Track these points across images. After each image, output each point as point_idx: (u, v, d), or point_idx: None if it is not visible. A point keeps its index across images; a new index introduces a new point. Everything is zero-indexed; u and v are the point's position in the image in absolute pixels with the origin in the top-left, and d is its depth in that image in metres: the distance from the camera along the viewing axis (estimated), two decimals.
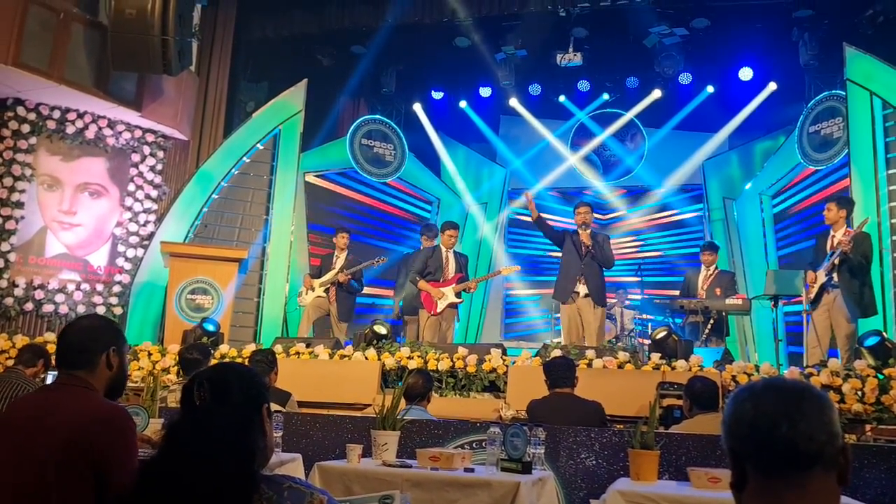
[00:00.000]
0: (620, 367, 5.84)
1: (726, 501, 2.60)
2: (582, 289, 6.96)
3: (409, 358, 6.26)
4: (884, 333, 6.03)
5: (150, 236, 8.76)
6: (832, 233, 6.74)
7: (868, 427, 5.09)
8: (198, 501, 1.56)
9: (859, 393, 5.25)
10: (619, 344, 8.12)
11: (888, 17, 8.43)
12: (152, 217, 8.95)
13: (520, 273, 10.22)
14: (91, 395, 2.20)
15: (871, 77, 7.74)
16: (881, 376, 5.31)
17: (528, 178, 11.88)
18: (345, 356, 6.46)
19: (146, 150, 8.98)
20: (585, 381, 4.63)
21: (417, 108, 11.56)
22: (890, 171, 7.52)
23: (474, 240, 11.62)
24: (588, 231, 7.08)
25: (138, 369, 6.58)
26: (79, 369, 2.23)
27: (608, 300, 8.05)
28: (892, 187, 7.48)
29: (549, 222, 7.51)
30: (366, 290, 8.85)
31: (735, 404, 1.32)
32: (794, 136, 9.19)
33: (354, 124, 10.75)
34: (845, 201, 6.90)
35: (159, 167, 9.08)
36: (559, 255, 7.34)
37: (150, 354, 6.76)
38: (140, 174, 8.95)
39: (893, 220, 7.33)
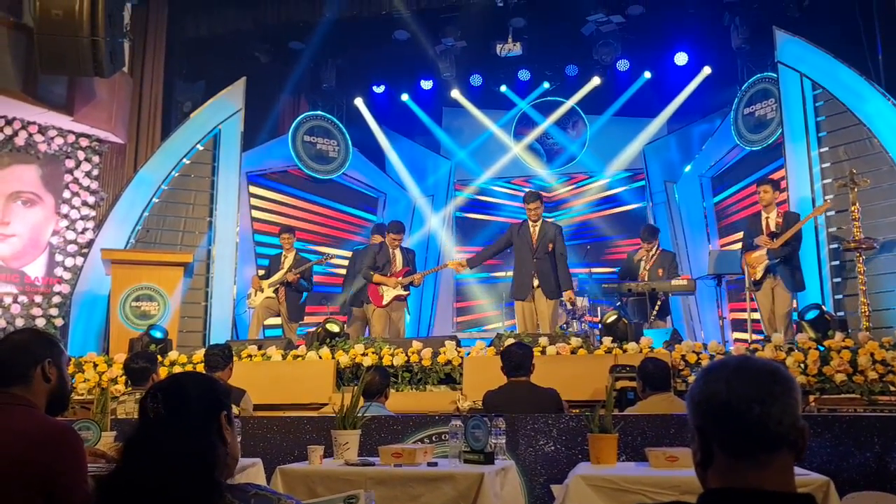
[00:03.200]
0: (573, 352, 5.92)
1: (686, 479, 2.68)
2: (537, 284, 7.03)
3: (364, 355, 6.24)
4: (822, 307, 6.27)
5: (90, 244, 8.50)
6: (765, 214, 7.02)
7: (812, 398, 5.28)
8: None
9: (802, 365, 5.44)
10: (570, 329, 8.24)
11: (814, 1, 8.70)
12: (90, 224, 8.68)
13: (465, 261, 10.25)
14: (31, 413, 2.10)
15: (801, 59, 7.99)
16: (822, 348, 5.51)
17: (473, 169, 11.93)
18: (298, 356, 6.39)
19: (80, 155, 8.70)
20: (540, 367, 4.68)
21: (359, 102, 11.47)
22: (822, 150, 7.78)
23: (422, 233, 11.61)
24: (538, 224, 7.16)
25: (84, 381, 6.40)
26: (13, 385, 2.13)
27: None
28: (824, 165, 7.74)
29: (484, 249, 7.79)
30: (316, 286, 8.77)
31: (706, 383, 1.33)
32: (730, 119, 9.43)
33: (296, 121, 10.61)
34: (776, 183, 7.23)
35: (95, 172, 8.82)
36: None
37: (95, 366, 6.57)
38: (75, 180, 8.67)
39: (827, 197, 7.58)
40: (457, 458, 3.16)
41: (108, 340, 7.68)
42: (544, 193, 8.79)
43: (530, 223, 7.20)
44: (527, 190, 8.77)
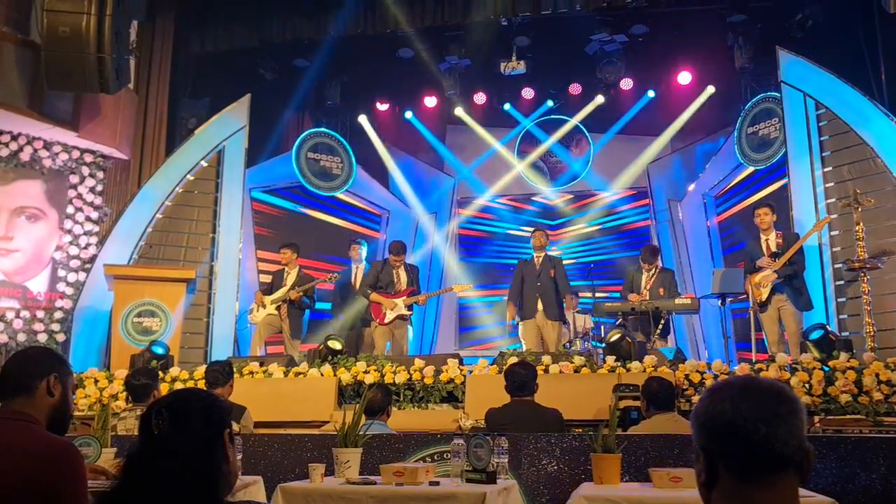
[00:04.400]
0: (577, 371, 5.89)
1: (690, 500, 2.65)
2: (540, 306, 7.59)
3: (366, 372, 6.21)
4: (827, 327, 6.25)
5: (93, 259, 8.50)
6: (764, 236, 7.08)
7: (816, 419, 5.24)
8: None
9: (806, 386, 5.40)
10: (574, 348, 8.22)
11: (816, 21, 8.73)
12: (94, 239, 8.69)
13: (471, 280, 10.26)
14: (31, 429, 2.08)
15: (804, 78, 8.01)
16: (826, 368, 5.47)
17: (477, 187, 11.94)
18: (300, 373, 6.37)
19: (85, 170, 8.73)
20: (543, 386, 4.66)
21: (363, 119, 11.51)
22: (825, 169, 7.78)
23: (425, 250, 11.61)
24: (542, 254, 7.84)
25: (85, 397, 6.37)
26: (17, 397, 2.12)
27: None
28: (828, 185, 7.74)
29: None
30: (320, 305, 8.77)
31: (711, 404, 1.32)
32: (734, 138, 9.44)
33: (300, 138, 10.64)
34: (774, 207, 7.29)
35: (99, 188, 8.84)
36: (509, 260, 7.78)
37: (96, 381, 6.55)
38: (79, 196, 8.69)
39: (831, 217, 7.57)
40: (459, 478, 3.13)
41: (110, 356, 7.66)
42: (547, 212, 8.95)
43: (535, 253, 7.90)
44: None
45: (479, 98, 11.32)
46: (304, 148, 10.60)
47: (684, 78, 10.48)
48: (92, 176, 8.77)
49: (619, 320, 7.44)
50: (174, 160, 8.93)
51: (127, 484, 1.60)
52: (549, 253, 8.11)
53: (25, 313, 8.20)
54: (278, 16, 9.46)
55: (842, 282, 7.44)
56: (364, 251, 8.79)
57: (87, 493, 2.01)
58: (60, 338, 8.24)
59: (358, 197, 11.27)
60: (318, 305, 8.67)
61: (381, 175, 11.78)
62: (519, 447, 3.77)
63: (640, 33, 9.84)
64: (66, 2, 6.84)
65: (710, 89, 10.42)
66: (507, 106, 11.52)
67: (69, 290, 8.44)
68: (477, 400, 5.62)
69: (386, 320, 7.73)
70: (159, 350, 6.81)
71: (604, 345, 6.76)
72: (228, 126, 9.12)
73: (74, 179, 8.68)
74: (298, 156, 10.51)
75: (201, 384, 5.66)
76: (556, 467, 3.75)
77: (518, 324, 7.87)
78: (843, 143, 7.67)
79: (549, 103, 11.45)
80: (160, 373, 5.85)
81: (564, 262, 8.50)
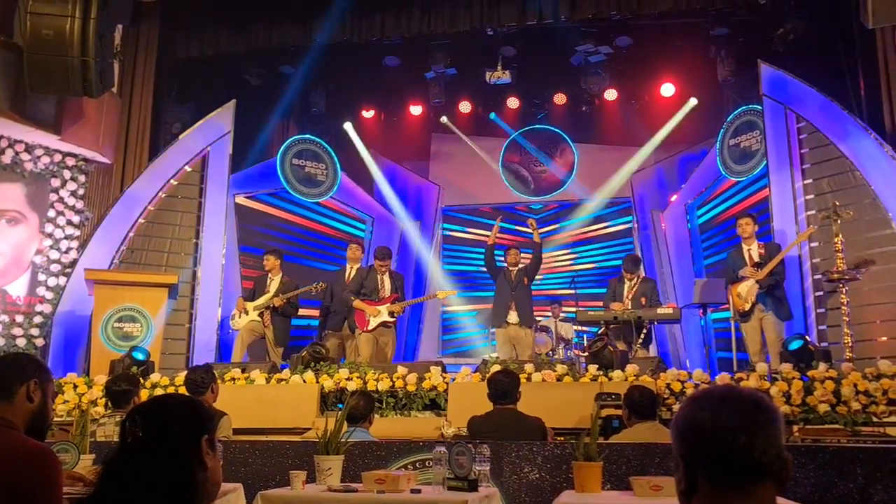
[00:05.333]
0: (559, 379, 5.91)
1: None
2: (513, 316, 7.74)
3: (349, 379, 6.20)
4: (806, 337, 6.31)
5: (73, 264, 8.42)
6: (745, 246, 7.18)
7: (795, 428, 5.29)
8: None
9: (786, 395, 5.45)
10: (556, 356, 8.27)
11: (798, 36, 8.85)
12: (75, 244, 8.61)
13: (455, 288, 10.27)
14: (12, 435, 2.07)
15: (785, 92, 8.12)
16: (805, 378, 5.53)
17: (461, 195, 11.97)
18: (282, 380, 6.34)
19: (67, 174, 8.66)
20: (525, 394, 4.66)
21: (348, 127, 11.51)
22: (805, 182, 7.88)
23: (409, 258, 11.60)
24: (517, 269, 8.02)
25: (63, 402, 6.31)
26: None
27: (545, 312, 8.69)
28: (808, 197, 7.84)
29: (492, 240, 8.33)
30: (301, 311, 8.72)
31: (692, 412, 1.33)
32: (716, 149, 9.54)
33: (284, 144, 10.61)
34: (755, 216, 7.38)
35: (81, 192, 8.77)
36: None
37: (75, 387, 6.49)
38: (61, 199, 8.62)
39: (815, 228, 7.66)
40: (440, 485, 3.13)
41: (89, 361, 7.59)
42: (532, 216, 9.07)
43: (509, 266, 8.07)
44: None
45: (465, 107, 11.36)
46: (289, 154, 10.58)
47: (668, 90, 10.58)
48: (74, 180, 8.70)
49: (602, 329, 7.48)
50: (157, 165, 8.87)
51: (103, 491, 1.59)
52: (521, 269, 8.19)
53: (4, 317, 8.10)
54: (264, 22, 9.45)
55: (821, 293, 7.53)
56: (360, 252, 8.70)
57: (63, 498, 1.99)
58: (39, 343, 8.15)
59: (342, 204, 11.25)
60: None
61: (366, 182, 11.78)
62: (501, 455, 3.78)
63: (624, 45, 9.93)
64: (50, 5, 6.79)
65: (693, 101, 10.52)
66: (491, 115, 11.57)
67: (49, 295, 8.36)
68: (459, 407, 5.62)
69: (369, 327, 7.73)
70: (140, 356, 6.75)
71: (586, 353, 6.79)
72: (213, 131, 9.08)
73: (56, 183, 8.60)
74: (283, 162, 10.48)
75: (183, 390, 5.61)
76: (537, 475, 3.75)
77: (492, 331, 8.07)
78: (823, 155, 7.78)
79: (534, 113, 11.51)
80: (140, 379, 5.80)
81: (546, 269, 8.58)
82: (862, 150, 7.46)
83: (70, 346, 8.14)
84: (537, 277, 8.48)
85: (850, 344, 6.38)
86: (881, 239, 7.21)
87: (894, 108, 7.61)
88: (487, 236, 8.50)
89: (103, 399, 6.14)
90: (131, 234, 8.60)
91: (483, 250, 8.74)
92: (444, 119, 11.41)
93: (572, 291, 9.50)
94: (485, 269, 8.57)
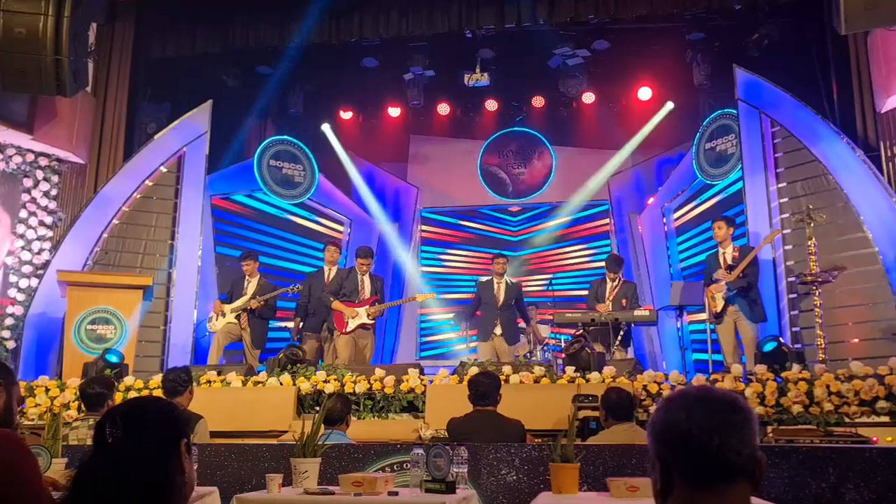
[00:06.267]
0: (537, 381, 5.92)
1: None
2: (498, 330, 7.96)
3: (326, 382, 6.17)
4: (780, 339, 6.39)
5: (46, 265, 8.29)
6: (721, 249, 7.27)
7: (770, 429, 5.35)
8: None
9: (760, 396, 5.51)
10: (534, 358, 8.30)
11: (772, 41, 8.97)
12: (47, 245, 8.48)
13: (433, 290, 10.26)
14: None
15: (760, 97, 8.22)
16: (779, 379, 5.59)
17: (439, 197, 11.97)
18: (259, 383, 6.29)
19: (39, 174, 8.52)
20: (503, 396, 4.67)
21: (326, 128, 11.46)
22: (780, 185, 7.98)
23: (387, 260, 11.58)
24: (503, 281, 8.09)
25: (35, 406, 6.21)
26: None
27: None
28: (782, 200, 7.94)
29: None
30: (282, 314, 8.68)
31: (667, 414, 1.35)
32: (692, 153, 9.63)
33: (262, 145, 10.54)
34: (730, 220, 7.46)
35: (54, 192, 8.64)
36: (471, 272, 7.96)
37: (47, 390, 6.39)
38: (33, 200, 8.48)
39: (785, 231, 7.77)
40: (418, 488, 3.13)
41: (62, 364, 7.48)
42: (509, 223, 9.09)
43: (495, 279, 8.13)
44: (496, 252, 9.03)
45: (443, 109, 11.35)
46: (266, 155, 10.51)
47: (644, 93, 10.66)
48: (46, 180, 8.57)
49: (580, 331, 7.51)
50: (132, 165, 8.77)
51: (77, 495, 1.57)
52: (509, 279, 8.30)
53: None
54: (242, 22, 9.37)
55: (795, 295, 7.62)
56: (337, 254, 8.66)
57: (40, 475, 1.98)
58: (11, 345, 8.01)
59: (320, 205, 11.21)
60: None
61: (344, 184, 11.73)
62: (478, 457, 3.78)
63: (601, 49, 9.99)
64: (23, 3, 6.69)
65: (670, 105, 10.61)
66: (470, 117, 11.57)
67: (21, 297, 8.22)
68: (437, 410, 5.62)
69: (347, 329, 7.69)
70: (113, 358, 6.66)
71: (563, 355, 6.82)
72: (189, 132, 9.00)
73: (28, 183, 8.47)
74: (260, 163, 10.41)
75: (158, 393, 5.56)
76: (515, 477, 3.76)
77: (474, 344, 8.21)
78: (797, 160, 7.88)
79: (513, 115, 11.53)
80: (115, 382, 5.72)
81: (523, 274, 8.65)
82: (834, 153, 7.57)
83: (42, 348, 8.02)
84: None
85: (823, 346, 6.46)
86: (853, 242, 7.32)
87: (866, 113, 7.74)
88: (467, 238, 8.58)
89: (76, 402, 6.06)
90: (105, 235, 8.49)
91: (462, 254, 8.80)
92: (422, 121, 11.38)
93: (550, 293, 9.53)
94: (463, 272, 8.64)
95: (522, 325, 9.54)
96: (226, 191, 10.25)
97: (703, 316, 7.44)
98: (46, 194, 8.57)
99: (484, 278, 8.36)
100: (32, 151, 8.44)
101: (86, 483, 1.57)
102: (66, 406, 6.14)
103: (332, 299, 7.77)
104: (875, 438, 5.07)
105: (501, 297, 8.04)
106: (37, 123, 8.13)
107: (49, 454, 3.13)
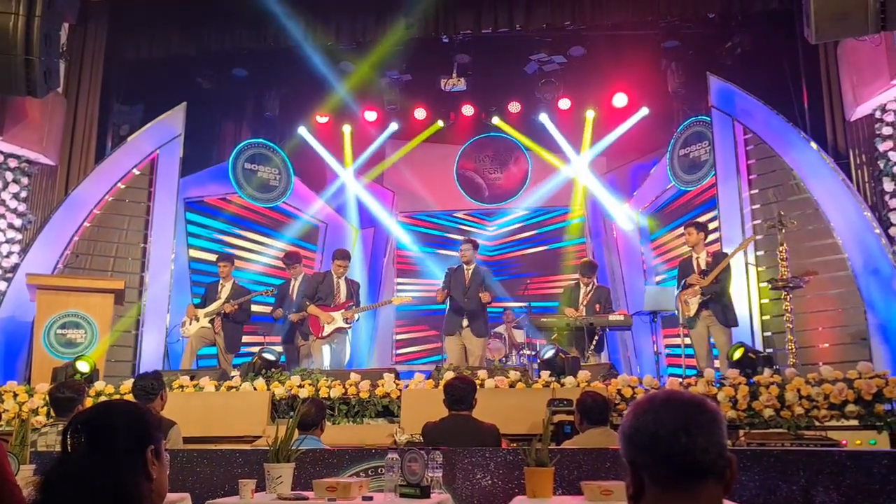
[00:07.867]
0: (512, 386, 5.93)
1: None
2: (465, 321, 7.59)
3: (300, 386, 6.12)
4: (746, 345, 6.43)
5: (14, 268, 8.15)
6: (694, 254, 7.35)
7: (742, 432, 5.40)
8: None
9: (732, 400, 5.57)
10: (510, 363, 8.31)
11: (745, 49, 9.10)
12: (16, 248, 8.33)
13: (409, 294, 10.26)
14: None
15: (732, 104, 8.33)
16: (752, 382, 5.66)
17: (416, 201, 11.96)
18: (232, 387, 6.23)
19: (8, 176, 8.37)
20: (478, 401, 4.67)
21: (302, 131, 11.40)
22: (752, 192, 8.09)
23: (363, 264, 11.54)
24: (472, 267, 7.75)
25: (3, 412, 6.10)
26: None
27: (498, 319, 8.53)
28: (754, 206, 8.05)
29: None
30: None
31: (636, 417, 1.36)
32: (667, 159, 9.72)
33: (237, 148, 10.46)
34: (701, 225, 7.54)
35: (24, 194, 8.49)
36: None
37: (15, 395, 6.27)
38: (2, 202, 8.33)
39: (757, 237, 7.86)
40: (392, 492, 3.11)
41: (31, 369, 7.34)
42: (487, 223, 9.01)
43: (464, 266, 7.78)
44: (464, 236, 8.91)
45: (420, 113, 11.35)
46: (242, 158, 10.43)
47: (620, 99, 10.74)
48: (16, 182, 8.42)
49: (555, 335, 7.54)
50: (104, 167, 8.67)
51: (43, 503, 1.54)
52: (479, 264, 8.00)
53: None
54: (217, 24, 9.31)
55: (766, 300, 7.72)
56: (300, 267, 8.64)
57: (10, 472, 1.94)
58: None
59: (295, 209, 11.14)
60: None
61: (320, 188, 11.68)
62: (453, 461, 3.77)
63: (577, 55, 10.07)
64: None
65: (645, 111, 10.70)
66: (447, 121, 11.59)
67: None
68: (413, 414, 5.60)
69: (324, 333, 7.67)
70: (83, 368, 6.52)
71: (538, 360, 6.83)
72: (163, 134, 8.91)
73: None
74: (235, 166, 10.33)
75: (129, 398, 5.48)
76: (490, 481, 3.76)
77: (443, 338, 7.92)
78: (769, 167, 8.00)
79: (489, 120, 11.57)
80: (85, 387, 5.63)
81: (500, 280, 8.55)
82: (805, 161, 7.69)
83: (10, 353, 7.88)
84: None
85: (793, 350, 6.55)
86: (823, 248, 7.44)
87: (836, 121, 7.86)
88: (442, 242, 8.50)
89: (45, 408, 5.96)
90: (76, 239, 8.38)
91: (438, 258, 8.71)
92: (399, 125, 11.37)
93: (524, 300, 9.56)
94: (439, 279, 8.34)
95: (499, 329, 9.55)
96: (200, 194, 10.15)
97: (678, 326, 7.47)
98: (16, 196, 8.42)
99: (455, 266, 8.04)
100: (2, 153, 8.29)
101: (51, 491, 1.54)
102: (35, 412, 6.03)
103: (308, 303, 7.74)
104: (844, 442, 5.14)
105: (467, 282, 7.70)
106: (6, 124, 7.99)
107: (17, 460, 3.08)
